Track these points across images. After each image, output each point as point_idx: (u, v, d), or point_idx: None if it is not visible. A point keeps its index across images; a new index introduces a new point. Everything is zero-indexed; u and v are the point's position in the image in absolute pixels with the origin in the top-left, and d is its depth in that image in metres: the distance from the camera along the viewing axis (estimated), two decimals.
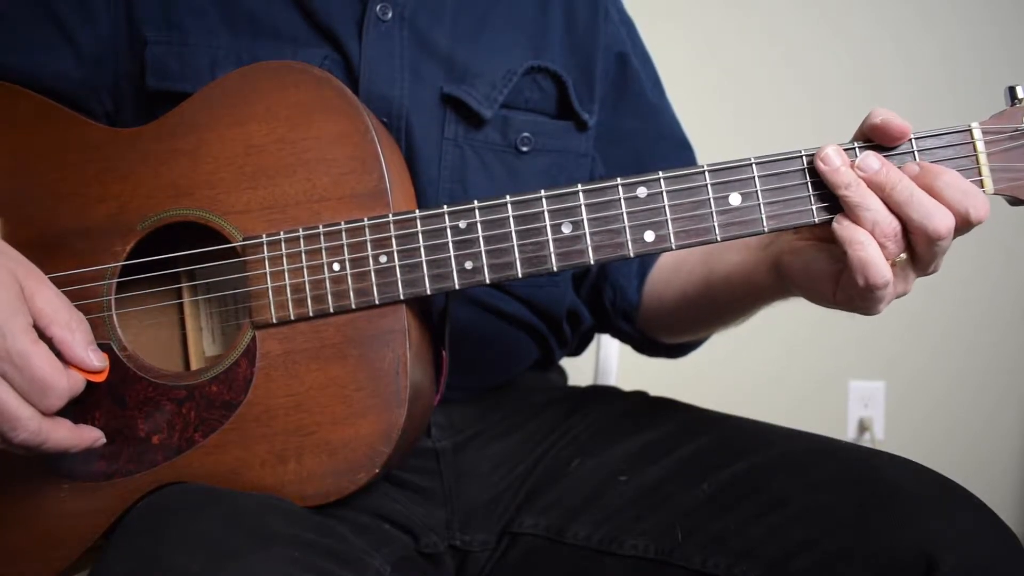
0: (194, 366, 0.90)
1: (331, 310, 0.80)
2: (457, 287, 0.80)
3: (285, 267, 0.81)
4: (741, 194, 0.77)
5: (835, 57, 2.07)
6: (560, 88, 0.99)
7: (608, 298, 1.06)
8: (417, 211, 0.80)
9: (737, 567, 0.80)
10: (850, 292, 0.76)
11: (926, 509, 0.74)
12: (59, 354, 0.75)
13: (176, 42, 0.91)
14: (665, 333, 1.07)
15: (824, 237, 0.78)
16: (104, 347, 0.80)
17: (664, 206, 0.77)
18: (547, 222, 0.78)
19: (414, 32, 0.93)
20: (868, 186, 0.73)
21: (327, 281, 0.80)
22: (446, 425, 1.00)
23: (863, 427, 2.16)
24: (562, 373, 1.18)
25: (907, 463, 0.80)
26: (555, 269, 0.79)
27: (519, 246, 0.79)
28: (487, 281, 0.79)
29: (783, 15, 2.07)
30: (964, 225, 0.73)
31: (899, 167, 0.74)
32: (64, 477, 0.83)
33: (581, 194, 0.78)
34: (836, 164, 0.74)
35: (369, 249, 0.80)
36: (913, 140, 0.75)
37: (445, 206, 0.80)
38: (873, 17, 2.06)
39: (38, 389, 0.73)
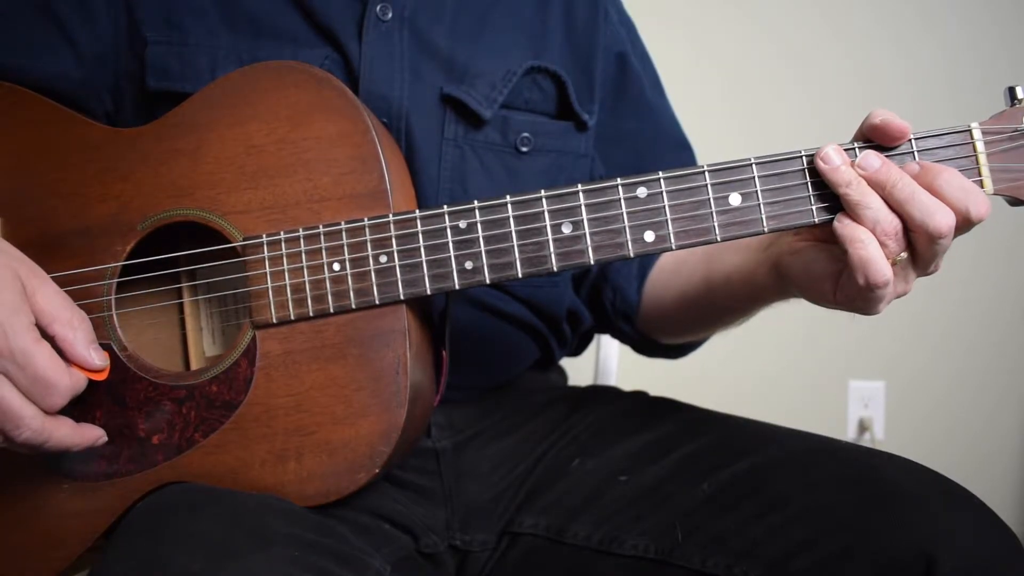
0: (194, 366, 0.90)
1: (331, 310, 0.80)
2: (457, 287, 0.80)
3: (285, 267, 0.81)
4: (741, 194, 0.77)
5: (835, 57, 2.07)
6: (560, 88, 0.99)
7: (608, 299, 1.06)
8: (417, 211, 0.80)
9: (737, 567, 0.80)
10: (850, 292, 0.76)
11: (926, 509, 0.74)
12: (61, 353, 0.75)
13: (176, 42, 0.91)
14: (665, 334, 1.07)
15: (824, 238, 0.78)
16: (105, 347, 0.80)
17: (664, 206, 0.77)
18: (547, 222, 0.78)
19: (414, 32, 0.94)
20: (869, 184, 0.73)
21: (327, 281, 0.80)
22: (446, 425, 1.00)
23: (863, 427, 2.16)
24: (562, 373, 1.19)
25: (907, 463, 0.80)
26: (555, 269, 0.79)
27: (519, 246, 0.79)
28: (487, 281, 0.79)
29: (783, 15, 2.07)
30: (965, 223, 0.73)
31: (899, 166, 0.74)
32: (64, 477, 0.83)
33: (581, 194, 0.78)
34: (836, 163, 0.74)
35: (369, 249, 0.80)
36: (913, 140, 0.75)
37: (445, 206, 0.80)
38: (873, 17, 2.06)
39: (41, 388, 0.73)
